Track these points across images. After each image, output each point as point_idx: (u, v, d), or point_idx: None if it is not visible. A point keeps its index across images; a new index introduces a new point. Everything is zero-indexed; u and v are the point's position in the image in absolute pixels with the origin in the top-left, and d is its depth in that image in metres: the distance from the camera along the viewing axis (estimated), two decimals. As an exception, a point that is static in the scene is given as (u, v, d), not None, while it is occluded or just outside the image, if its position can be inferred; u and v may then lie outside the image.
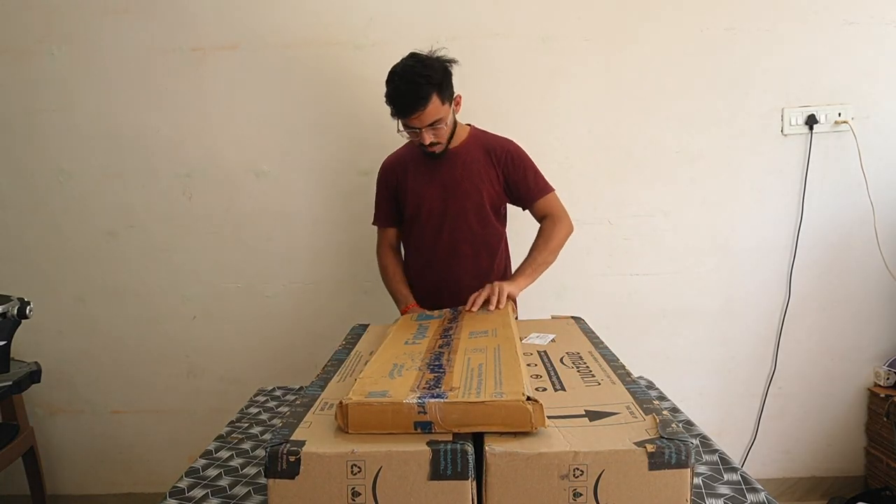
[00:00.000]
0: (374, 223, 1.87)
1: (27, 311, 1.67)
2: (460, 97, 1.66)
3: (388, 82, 1.57)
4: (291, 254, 2.21)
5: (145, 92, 2.12)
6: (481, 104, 1.73)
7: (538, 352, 1.21)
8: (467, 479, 0.77)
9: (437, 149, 1.64)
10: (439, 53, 1.60)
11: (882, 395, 2.16)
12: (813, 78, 2.09)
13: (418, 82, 1.52)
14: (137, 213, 2.19)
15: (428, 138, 1.59)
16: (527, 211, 1.78)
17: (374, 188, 1.83)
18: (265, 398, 1.65)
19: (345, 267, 2.21)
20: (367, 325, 1.50)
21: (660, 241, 2.19)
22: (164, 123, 2.14)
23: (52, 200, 2.19)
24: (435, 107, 1.55)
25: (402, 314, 1.65)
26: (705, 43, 2.08)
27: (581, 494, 0.77)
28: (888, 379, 2.18)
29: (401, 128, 1.61)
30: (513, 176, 1.72)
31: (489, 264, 1.77)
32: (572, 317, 1.63)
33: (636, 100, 2.11)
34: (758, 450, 2.28)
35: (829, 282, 2.20)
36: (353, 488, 0.77)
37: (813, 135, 2.11)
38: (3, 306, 1.63)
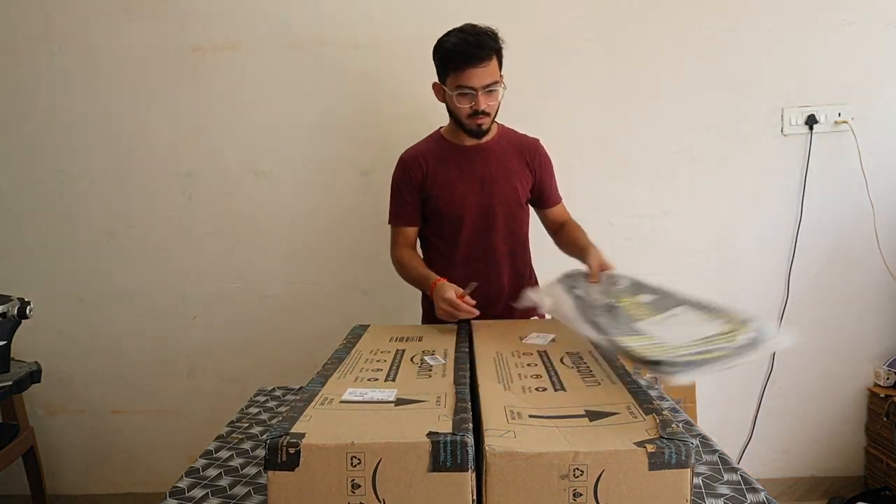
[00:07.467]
0: (390, 222, 1.69)
1: (27, 311, 1.68)
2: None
3: (446, 40, 1.52)
4: (291, 254, 2.21)
5: (145, 92, 2.13)
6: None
7: (538, 352, 1.21)
8: (467, 470, 0.77)
9: (486, 121, 1.55)
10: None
11: (882, 395, 2.16)
12: (813, 78, 2.09)
13: (484, 37, 1.48)
14: (137, 213, 2.19)
15: (483, 103, 1.51)
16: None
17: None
18: (265, 398, 1.65)
19: (345, 267, 2.21)
20: (367, 326, 1.49)
21: (660, 241, 2.18)
22: (164, 123, 2.14)
23: (52, 200, 2.19)
24: (494, 67, 1.51)
25: (430, 290, 1.52)
26: (705, 43, 2.08)
27: (581, 494, 0.77)
28: (888, 379, 2.18)
29: (451, 91, 1.52)
30: (542, 177, 1.70)
31: (523, 263, 1.74)
32: (572, 317, 1.62)
33: (636, 100, 2.11)
34: (757, 450, 2.27)
35: (829, 282, 2.19)
36: (353, 480, 0.77)
37: (813, 135, 2.11)
38: (3, 306, 1.64)
